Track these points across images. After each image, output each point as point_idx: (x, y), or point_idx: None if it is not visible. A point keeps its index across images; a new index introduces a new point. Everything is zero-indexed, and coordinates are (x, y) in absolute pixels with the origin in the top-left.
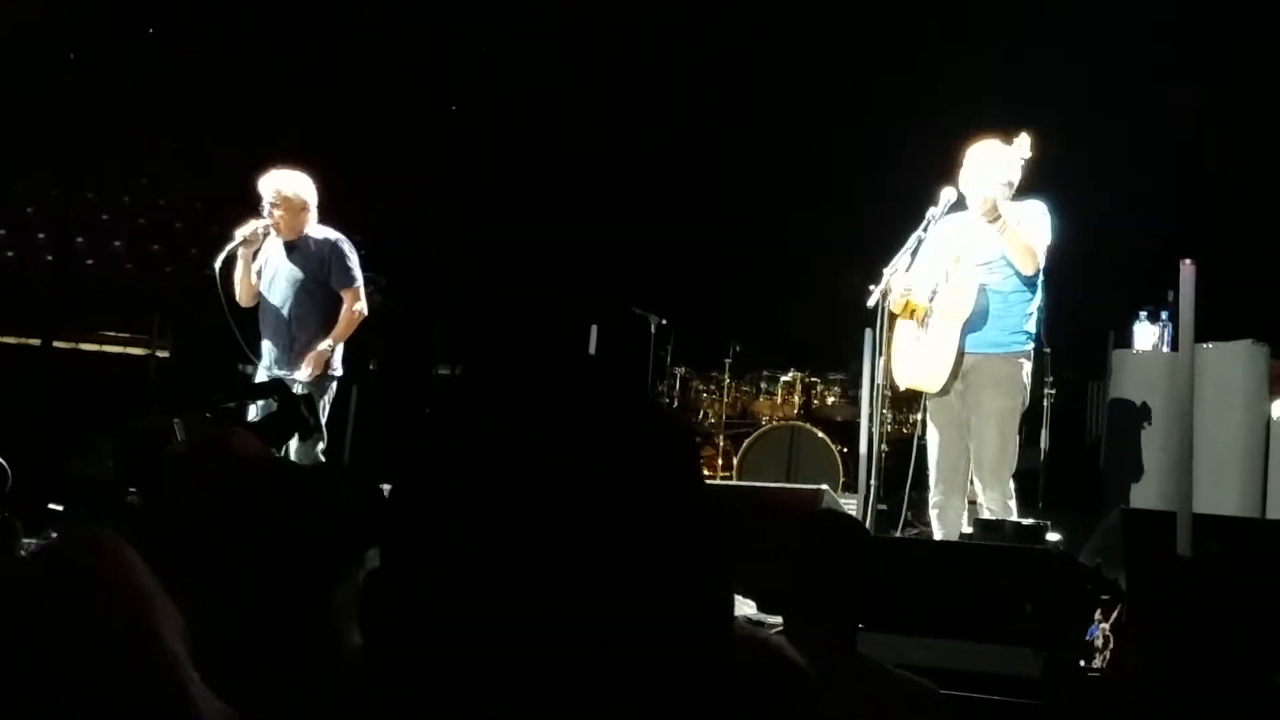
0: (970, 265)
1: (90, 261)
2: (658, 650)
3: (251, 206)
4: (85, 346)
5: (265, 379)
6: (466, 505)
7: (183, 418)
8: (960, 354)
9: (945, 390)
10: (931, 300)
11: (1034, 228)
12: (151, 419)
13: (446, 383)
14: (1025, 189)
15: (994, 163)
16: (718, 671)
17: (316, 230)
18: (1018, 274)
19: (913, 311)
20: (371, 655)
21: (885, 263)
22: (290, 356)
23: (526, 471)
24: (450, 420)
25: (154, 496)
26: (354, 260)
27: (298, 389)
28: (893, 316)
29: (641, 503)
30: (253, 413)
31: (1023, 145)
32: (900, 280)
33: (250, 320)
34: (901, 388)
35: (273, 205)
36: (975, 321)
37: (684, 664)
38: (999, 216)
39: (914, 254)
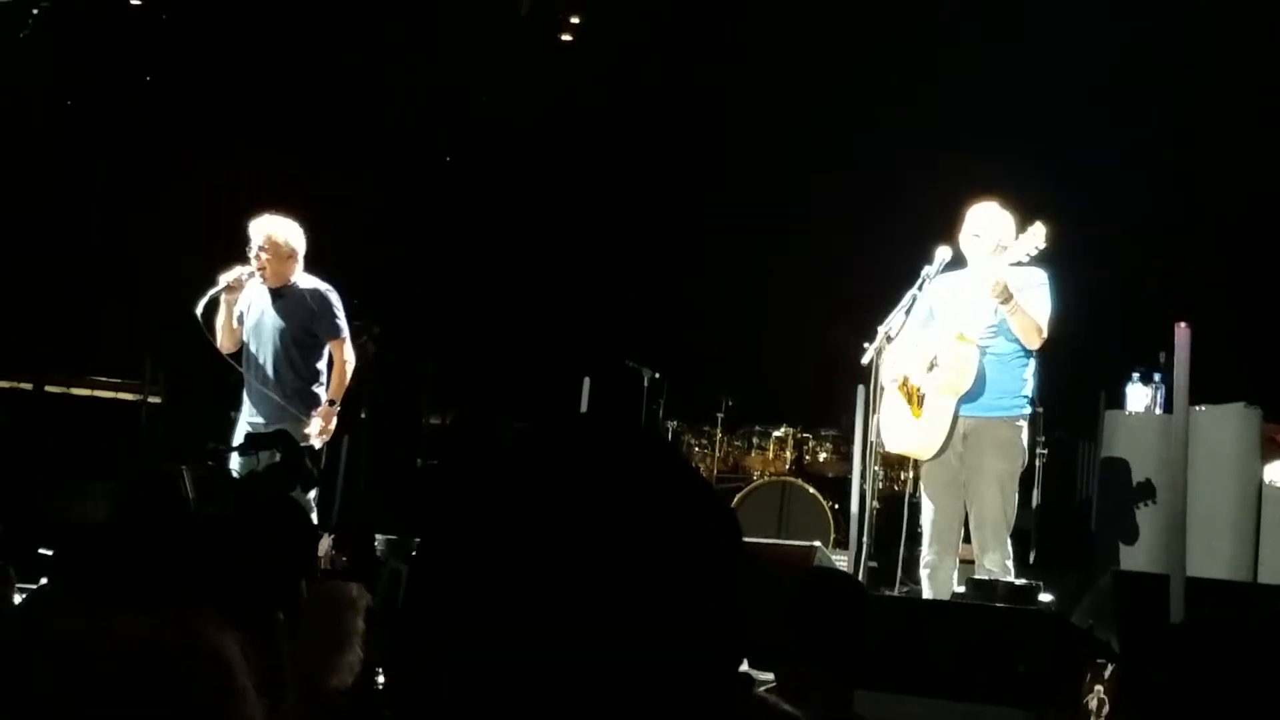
0: (974, 341)
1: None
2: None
3: (238, 250)
4: (77, 391)
5: (248, 429)
6: (505, 562)
7: (188, 465)
8: (955, 422)
9: (941, 453)
10: (930, 371)
11: (1038, 300)
12: (153, 464)
13: (516, 437)
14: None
15: (997, 229)
16: None
17: (304, 279)
18: (1017, 339)
19: (910, 392)
20: (400, 695)
21: (879, 319)
22: (272, 406)
23: (567, 534)
24: (496, 477)
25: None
26: (341, 310)
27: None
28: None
29: (682, 577)
30: (236, 462)
31: (1037, 235)
32: (894, 349)
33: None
34: (892, 453)
35: (260, 249)
36: (973, 386)
37: None
38: (1010, 297)
39: (908, 312)
